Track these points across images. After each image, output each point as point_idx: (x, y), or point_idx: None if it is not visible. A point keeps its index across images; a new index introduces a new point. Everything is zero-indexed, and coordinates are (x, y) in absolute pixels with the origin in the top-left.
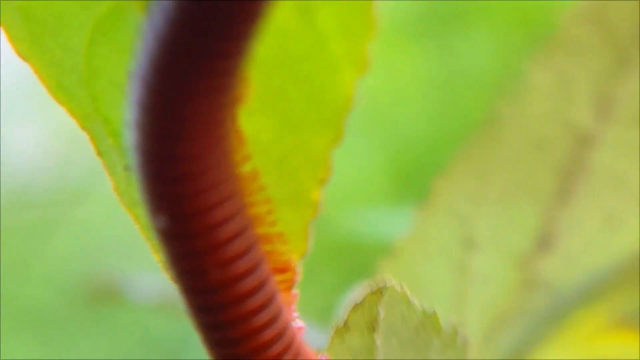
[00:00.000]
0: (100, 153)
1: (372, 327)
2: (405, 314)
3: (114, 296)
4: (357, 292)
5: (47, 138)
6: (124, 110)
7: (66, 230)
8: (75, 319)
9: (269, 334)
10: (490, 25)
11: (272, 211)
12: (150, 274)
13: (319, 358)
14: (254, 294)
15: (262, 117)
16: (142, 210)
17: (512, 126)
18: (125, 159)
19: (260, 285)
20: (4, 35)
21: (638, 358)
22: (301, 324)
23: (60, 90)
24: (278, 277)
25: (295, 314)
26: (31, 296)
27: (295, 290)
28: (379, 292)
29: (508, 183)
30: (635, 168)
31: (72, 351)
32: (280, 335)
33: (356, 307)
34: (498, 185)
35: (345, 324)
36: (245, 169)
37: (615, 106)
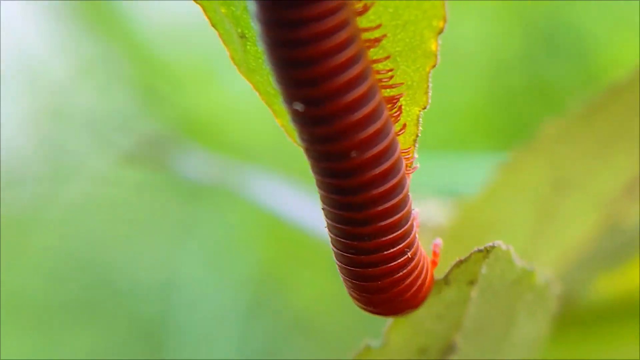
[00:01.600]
0: (214, 24)
1: (472, 281)
2: (505, 270)
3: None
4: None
5: (34, 117)
6: None
7: (54, 210)
8: (70, 306)
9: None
10: (481, 8)
11: (393, 66)
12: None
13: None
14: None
15: None
16: (260, 78)
17: (633, 88)
18: (239, 27)
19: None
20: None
21: None
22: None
23: None
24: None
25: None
26: (24, 282)
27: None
28: (485, 251)
29: (611, 133)
30: None
31: (67, 340)
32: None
33: (459, 263)
34: (601, 133)
35: (446, 279)
36: (363, 24)
37: None
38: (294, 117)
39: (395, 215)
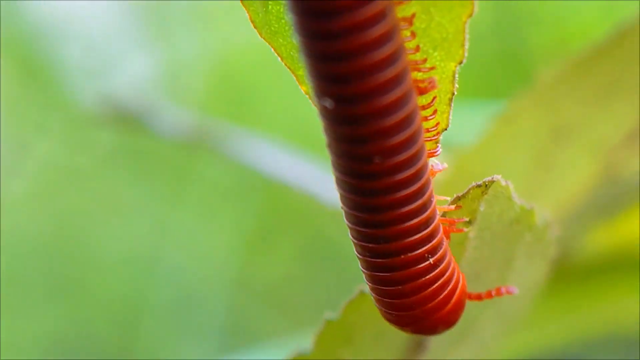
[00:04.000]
0: None
1: (470, 221)
2: (504, 209)
3: (138, 125)
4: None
5: None
6: None
7: (25, 183)
8: (45, 283)
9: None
10: None
11: (426, 20)
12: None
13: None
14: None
15: None
16: (282, 41)
17: (633, 34)
18: None
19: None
20: None
21: None
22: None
23: None
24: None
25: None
26: None
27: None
28: (484, 185)
29: (611, 80)
30: None
31: (39, 318)
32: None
33: (457, 200)
34: (600, 81)
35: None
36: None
37: None
38: (321, 112)
39: (414, 219)
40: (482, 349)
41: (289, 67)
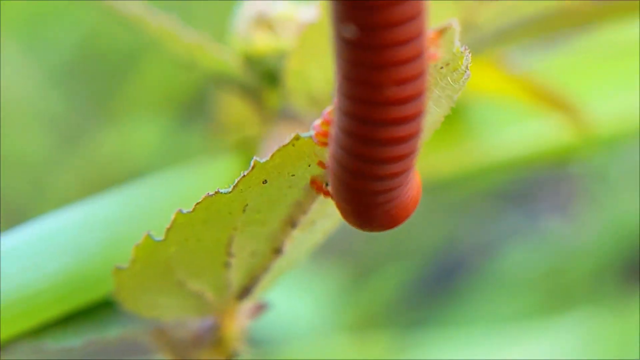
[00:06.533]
0: None
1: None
2: (444, 51)
3: None
4: None
5: None
6: None
7: None
8: None
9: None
10: None
11: None
12: None
13: None
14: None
15: None
16: None
17: None
18: None
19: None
20: None
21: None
22: None
23: None
24: None
25: None
26: None
27: None
28: (444, 29)
29: None
30: None
31: None
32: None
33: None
34: None
35: None
36: None
37: None
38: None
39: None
40: None
41: None
